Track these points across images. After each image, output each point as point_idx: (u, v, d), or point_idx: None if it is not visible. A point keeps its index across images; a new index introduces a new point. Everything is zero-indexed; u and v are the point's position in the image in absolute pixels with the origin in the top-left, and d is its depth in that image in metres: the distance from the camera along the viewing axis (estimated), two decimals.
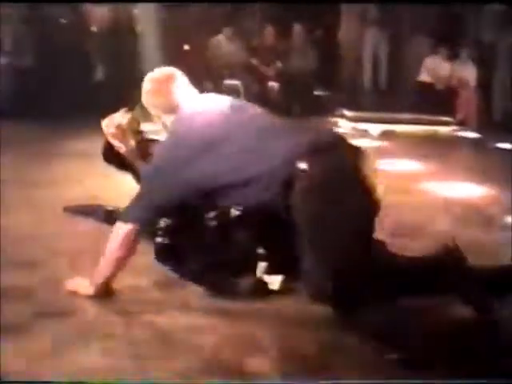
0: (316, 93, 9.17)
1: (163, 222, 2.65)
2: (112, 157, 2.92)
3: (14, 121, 6.75)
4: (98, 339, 2.14)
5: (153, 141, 2.95)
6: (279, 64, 9.04)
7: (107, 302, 2.42)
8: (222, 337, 2.17)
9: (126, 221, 2.40)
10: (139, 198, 2.43)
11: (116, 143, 2.82)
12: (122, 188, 3.30)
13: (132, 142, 2.82)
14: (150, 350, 2.09)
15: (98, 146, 2.94)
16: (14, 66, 7.64)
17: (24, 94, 7.32)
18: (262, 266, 2.59)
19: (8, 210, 3.57)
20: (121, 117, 2.82)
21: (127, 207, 2.45)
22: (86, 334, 2.19)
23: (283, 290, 2.52)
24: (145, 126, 2.90)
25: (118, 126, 2.80)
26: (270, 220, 2.54)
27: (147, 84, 2.62)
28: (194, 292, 2.52)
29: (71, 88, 7.45)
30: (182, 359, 1.99)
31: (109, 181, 3.91)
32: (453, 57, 9.01)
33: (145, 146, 2.89)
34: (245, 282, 2.58)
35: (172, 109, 2.55)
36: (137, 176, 2.95)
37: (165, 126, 2.62)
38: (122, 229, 2.40)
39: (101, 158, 2.95)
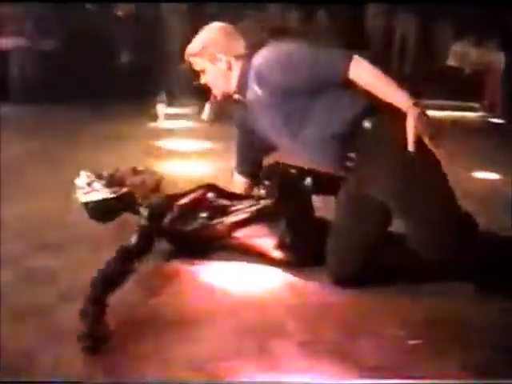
0: None
1: None
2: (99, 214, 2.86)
3: (40, 105, 6.85)
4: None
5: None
6: None
7: None
8: None
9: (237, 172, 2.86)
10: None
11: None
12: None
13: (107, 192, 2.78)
14: None
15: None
16: (37, 50, 7.68)
17: (47, 79, 7.35)
18: None
19: (37, 194, 3.66)
20: (85, 178, 2.80)
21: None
22: None
23: None
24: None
25: (89, 185, 2.78)
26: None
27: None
28: None
29: (95, 72, 7.47)
30: None
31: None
32: (480, 42, 8.88)
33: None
34: None
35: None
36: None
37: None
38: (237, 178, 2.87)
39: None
